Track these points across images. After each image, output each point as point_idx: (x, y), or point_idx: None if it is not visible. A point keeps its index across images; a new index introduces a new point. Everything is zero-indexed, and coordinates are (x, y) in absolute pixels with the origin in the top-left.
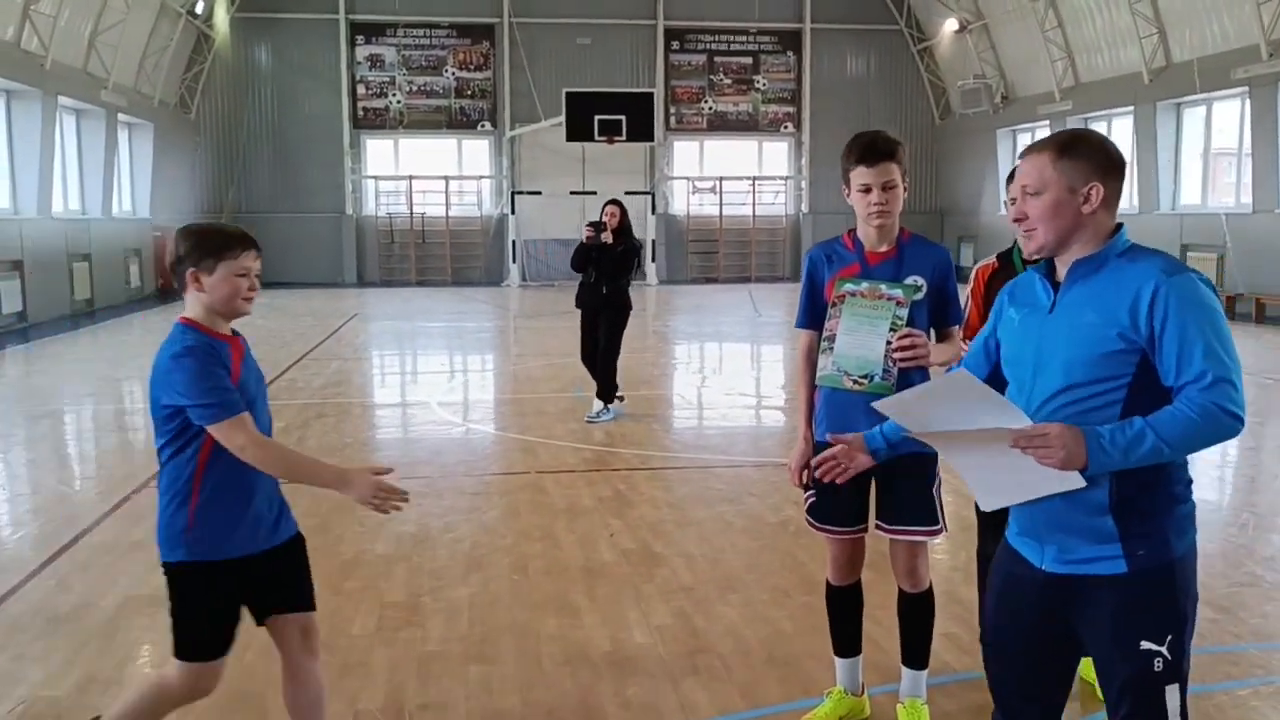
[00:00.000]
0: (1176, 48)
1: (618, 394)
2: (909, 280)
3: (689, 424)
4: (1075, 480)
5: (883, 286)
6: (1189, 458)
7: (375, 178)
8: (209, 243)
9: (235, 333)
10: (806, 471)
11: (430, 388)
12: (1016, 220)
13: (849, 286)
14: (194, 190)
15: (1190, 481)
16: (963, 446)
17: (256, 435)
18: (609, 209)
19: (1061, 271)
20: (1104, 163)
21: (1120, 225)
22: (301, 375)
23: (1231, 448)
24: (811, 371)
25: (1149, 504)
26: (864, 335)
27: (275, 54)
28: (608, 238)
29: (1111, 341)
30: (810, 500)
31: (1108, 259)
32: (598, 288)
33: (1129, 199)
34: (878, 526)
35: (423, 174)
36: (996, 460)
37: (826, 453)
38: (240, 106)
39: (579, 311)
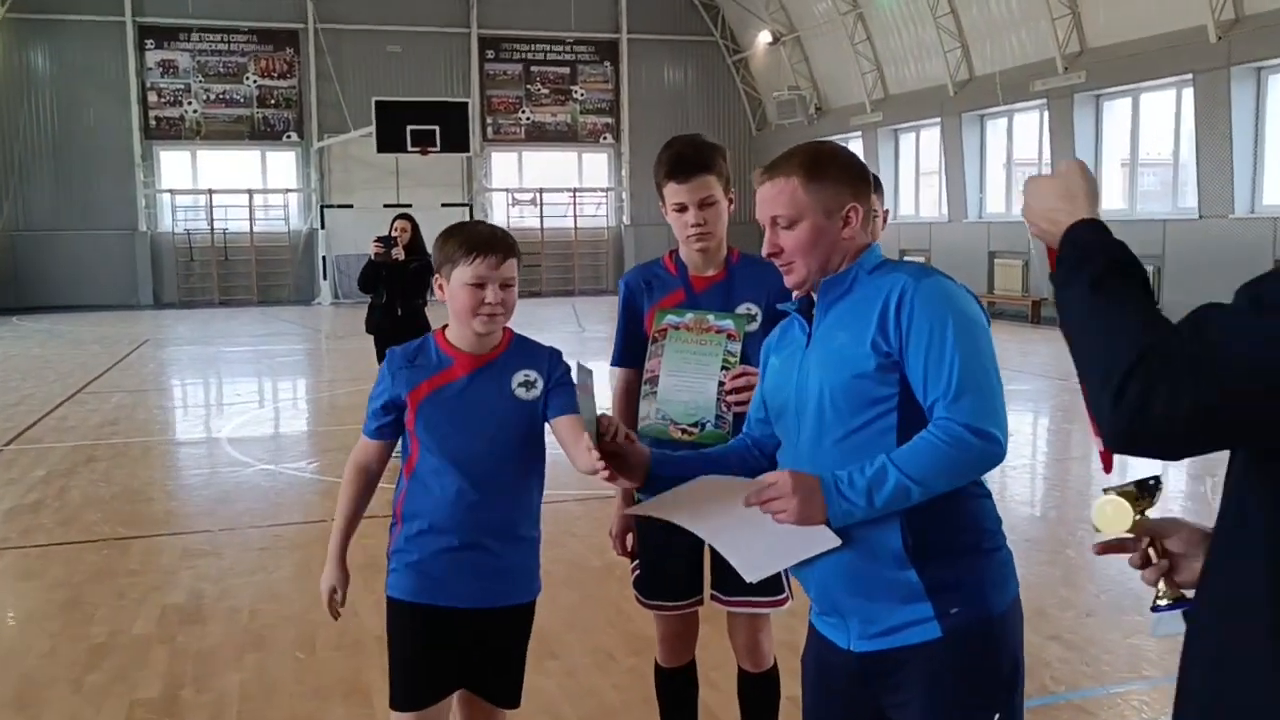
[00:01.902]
0: (979, 61)
1: None
2: (741, 309)
3: None
4: (828, 539)
5: (710, 317)
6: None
7: (171, 191)
8: (444, 246)
9: (516, 350)
10: (631, 537)
11: (223, 422)
12: (771, 255)
13: (671, 319)
14: None
15: (999, 520)
16: (716, 523)
17: (351, 457)
18: (399, 224)
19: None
20: (856, 179)
21: (871, 244)
22: (75, 412)
23: (1062, 460)
24: (630, 417)
25: (951, 543)
26: (691, 376)
27: (54, 58)
28: (399, 254)
29: (865, 359)
30: (636, 572)
31: (857, 277)
32: (390, 309)
33: (938, 207)
34: (713, 597)
35: (224, 187)
36: (749, 527)
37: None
38: (15, 115)
39: (371, 337)
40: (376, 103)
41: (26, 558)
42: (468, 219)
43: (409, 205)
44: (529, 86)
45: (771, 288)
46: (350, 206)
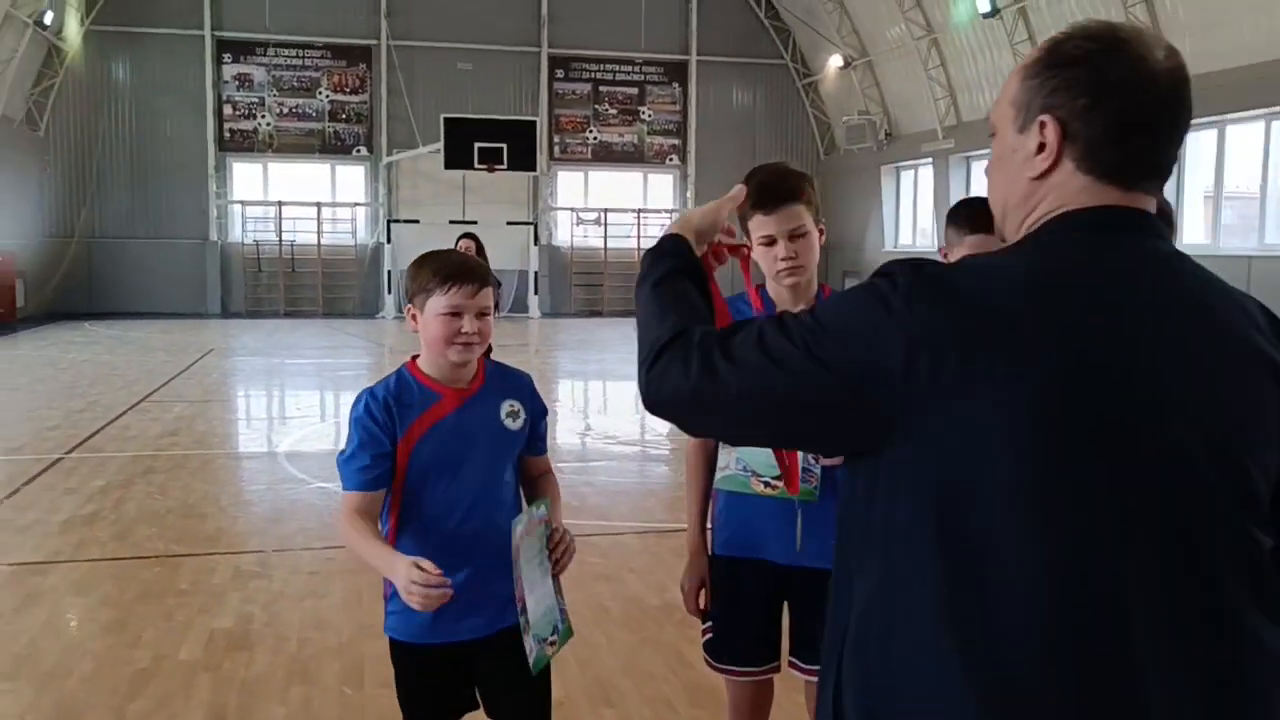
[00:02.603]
0: None
1: None
2: None
3: (566, 482)
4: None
5: None
6: None
7: (242, 203)
8: (417, 276)
9: (495, 378)
10: (704, 595)
11: (282, 437)
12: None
13: None
14: (42, 212)
15: None
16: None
17: (345, 511)
18: (463, 242)
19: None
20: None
21: None
22: (138, 421)
23: None
24: (706, 469)
25: None
26: None
27: (134, 70)
28: None
29: None
30: (707, 635)
31: None
32: None
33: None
34: (791, 664)
35: (293, 200)
36: None
37: None
38: (95, 124)
39: None
40: (445, 119)
41: (77, 571)
42: (439, 250)
43: (474, 222)
44: (597, 106)
45: None
46: (416, 222)
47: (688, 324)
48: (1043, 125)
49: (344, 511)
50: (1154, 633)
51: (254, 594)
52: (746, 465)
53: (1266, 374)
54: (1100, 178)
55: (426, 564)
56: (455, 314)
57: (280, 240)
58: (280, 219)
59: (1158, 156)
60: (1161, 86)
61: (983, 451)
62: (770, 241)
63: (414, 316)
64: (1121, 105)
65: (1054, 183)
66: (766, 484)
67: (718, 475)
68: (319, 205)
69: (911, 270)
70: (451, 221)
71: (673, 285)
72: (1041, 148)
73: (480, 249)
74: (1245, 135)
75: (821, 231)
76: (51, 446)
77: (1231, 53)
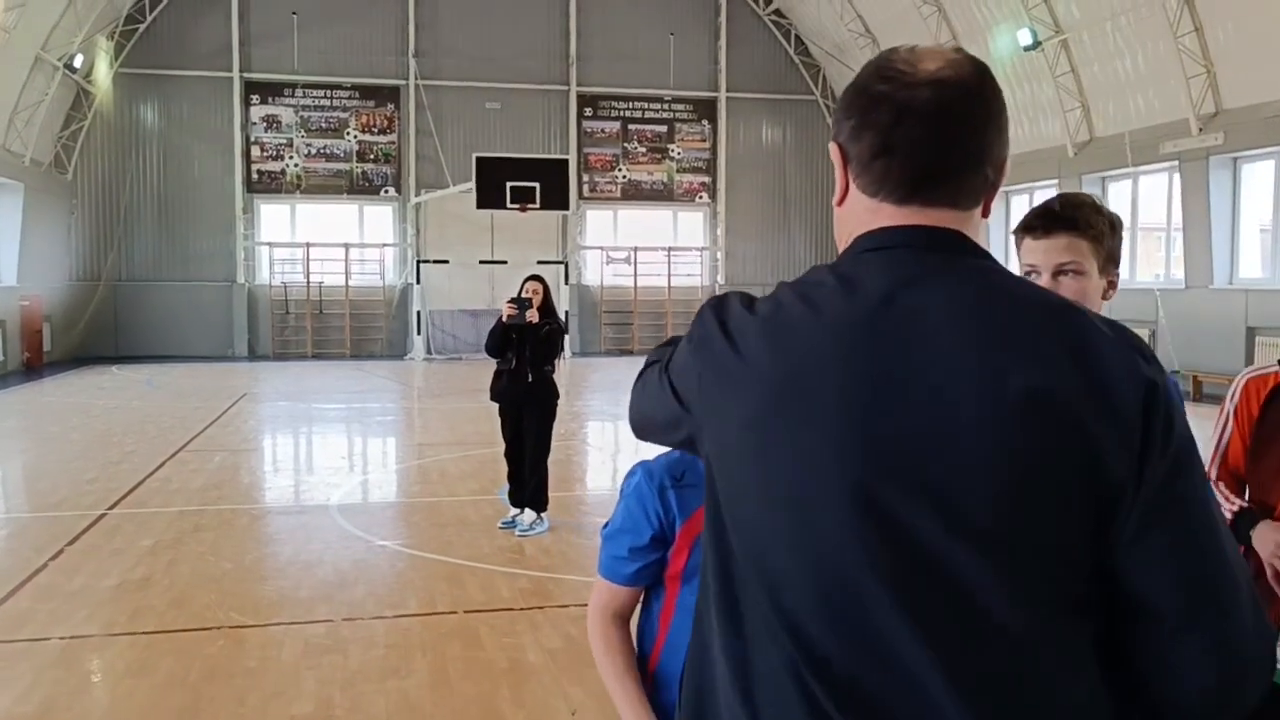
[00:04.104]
0: (1100, 121)
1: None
2: None
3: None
4: None
5: None
6: None
7: (270, 244)
8: None
9: None
10: None
11: (329, 489)
12: None
13: None
14: (68, 256)
15: None
16: None
17: (597, 610)
18: (530, 285)
19: None
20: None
21: None
22: (179, 474)
23: None
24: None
25: None
26: None
27: (162, 112)
28: (533, 316)
29: None
30: None
31: None
32: (520, 375)
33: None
34: None
35: (321, 241)
36: None
37: None
38: (123, 167)
39: (495, 404)
40: (477, 159)
41: (135, 646)
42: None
43: (504, 261)
44: (626, 144)
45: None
46: (446, 262)
47: (655, 355)
48: (832, 152)
49: (595, 613)
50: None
51: (329, 673)
52: None
53: (995, 404)
54: (873, 196)
55: None
56: (1031, 273)
57: (308, 282)
58: (308, 260)
59: (921, 167)
60: (917, 95)
61: (722, 471)
62: (1032, 272)
63: None
64: (877, 119)
65: (848, 209)
66: None
67: None
68: (347, 246)
69: (710, 306)
70: (481, 261)
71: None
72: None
73: (547, 292)
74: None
75: (1112, 284)
76: (93, 501)
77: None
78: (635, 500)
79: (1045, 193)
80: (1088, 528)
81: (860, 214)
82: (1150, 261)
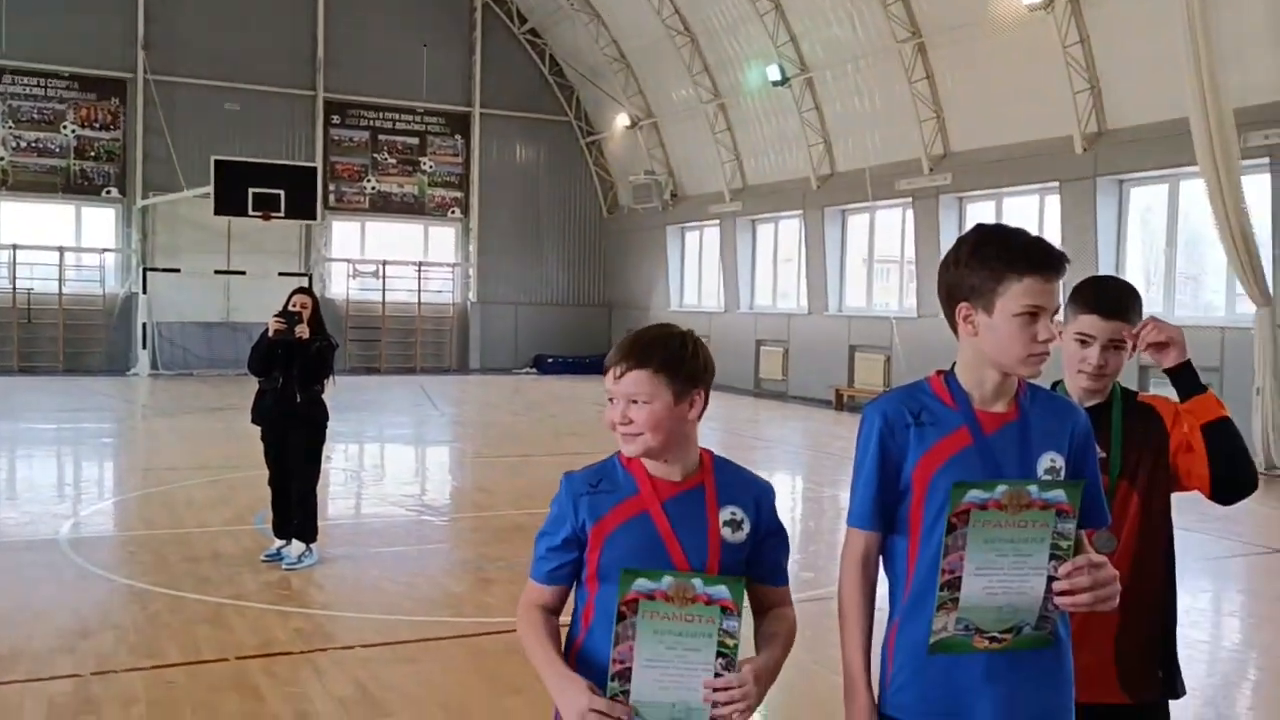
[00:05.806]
0: (841, 156)
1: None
2: (1044, 461)
3: (418, 567)
4: None
5: (1032, 489)
6: None
7: None
8: None
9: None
10: None
11: (57, 520)
12: (1098, 371)
13: (976, 495)
14: None
15: None
16: None
17: (524, 604)
18: (298, 298)
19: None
20: None
21: None
22: None
23: None
24: (872, 592)
25: None
26: (1009, 574)
27: None
28: (303, 332)
29: None
30: None
31: None
32: (287, 396)
33: (796, 299)
34: None
35: (31, 243)
36: None
37: None
38: None
39: (257, 427)
40: (216, 162)
41: None
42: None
43: (243, 272)
44: (375, 155)
45: (1074, 430)
46: (177, 270)
47: None
48: None
49: (523, 606)
50: None
51: None
52: (970, 624)
53: None
54: None
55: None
56: (1084, 342)
57: (14, 288)
58: (14, 264)
59: None
60: None
61: None
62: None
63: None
64: None
65: None
66: (992, 639)
67: (931, 638)
68: (61, 250)
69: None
70: (217, 271)
71: None
72: None
73: (317, 306)
74: (1021, 207)
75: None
76: None
77: (1007, 130)
78: (555, 506)
79: (790, 223)
80: None
81: None
82: (886, 291)
